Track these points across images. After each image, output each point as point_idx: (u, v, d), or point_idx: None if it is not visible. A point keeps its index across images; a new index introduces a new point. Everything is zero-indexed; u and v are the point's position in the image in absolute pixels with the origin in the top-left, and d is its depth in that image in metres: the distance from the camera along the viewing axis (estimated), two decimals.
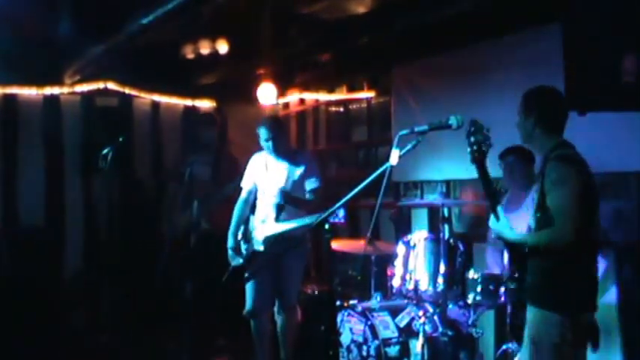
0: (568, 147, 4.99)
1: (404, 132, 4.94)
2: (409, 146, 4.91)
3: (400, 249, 6.95)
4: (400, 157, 4.90)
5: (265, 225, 7.50)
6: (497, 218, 5.10)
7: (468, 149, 5.06)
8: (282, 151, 7.61)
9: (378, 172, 4.99)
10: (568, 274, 4.74)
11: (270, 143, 7.53)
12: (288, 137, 8.36)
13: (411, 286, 6.75)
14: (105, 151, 8.16)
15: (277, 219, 7.37)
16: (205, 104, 11.39)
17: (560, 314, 4.68)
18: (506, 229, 5.09)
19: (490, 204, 5.13)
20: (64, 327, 9.61)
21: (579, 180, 4.74)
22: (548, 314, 4.72)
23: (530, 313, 4.86)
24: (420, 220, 9.08)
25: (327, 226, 4.92)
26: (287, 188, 7.45)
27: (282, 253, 7.39)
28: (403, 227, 8.98)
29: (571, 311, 4.70)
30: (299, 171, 7.53)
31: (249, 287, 7.61)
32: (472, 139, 5.03)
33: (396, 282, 6.93)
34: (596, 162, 5.19)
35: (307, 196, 7.51)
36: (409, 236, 7.06)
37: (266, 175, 7.65)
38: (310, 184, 7.51)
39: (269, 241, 7.47)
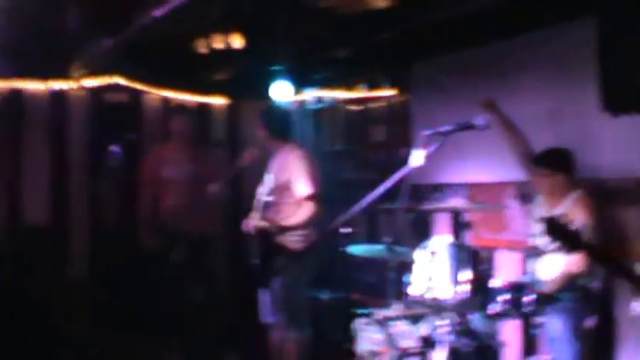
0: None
1: (427, 132, 4.68)
2: (433, 147, 4.64)
3: (419, 255, 6.65)
4: (425, 158, 4.61)
5: None
6: None
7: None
8: None
9: (401, 173, 4.71)
10: None
11: None
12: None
13: (431, 294, 6.45)
14: (112, 148, 7.95)
15: None
16: (218, 101, 11.13)
17: None
18: None
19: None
20: (68, 330, 9.37)
21: None
22: None
23: None
24: (441, 225, 8.81)
25: (345, 231, 4.64)
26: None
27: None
28: (423, 232, 8.71)
29: None
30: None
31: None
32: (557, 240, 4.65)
33: (415, 290, 6.64)
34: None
35: None
36: (429, 242, 6.75)
37: None
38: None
39: None
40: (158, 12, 7.08)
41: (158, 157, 8.66)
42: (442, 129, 4.65)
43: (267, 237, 7.12)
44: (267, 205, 7.30)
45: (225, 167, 8.61)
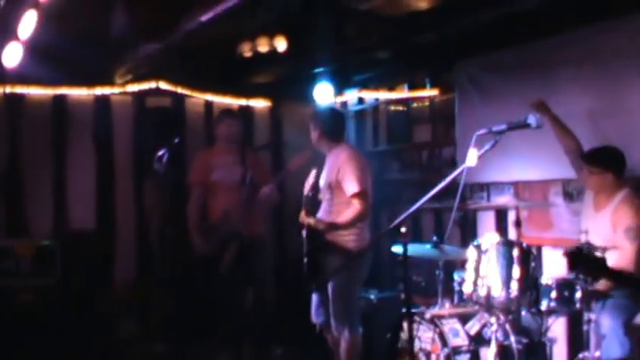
0: None
1: (481, 131, 4.72)
2: (487, 146, 4.67)
3: (471, 253, 6.67)
4: (479, 157, 4.64)
5: None
6: None
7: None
8: None
9: (456, 173, 4.74)
10: None
11: None
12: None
13: (483, 292, 6.46)
14: (160, 152, 7.99)
15: None
16: (260, 104, 11.18)
17: None
18: None
19: None
20: (115, 334, 9.46)
21: None
22: None
23: None
24: (487, 224, 8.81)
25: (402, 230, 4.68)
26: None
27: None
28: (469, 231, 8.73)
29: None
30: None
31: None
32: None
33: (467, 288, 6.65)
34: None
35: None
36: (480, 240, 6.76)
37: None
38: None
39: None
40: (205, 17, 7.11)
41: (207, 160, 8.70)
42: (496, 128, 4.66)
43: (318, 235, 7.17)
44: (318, 205, 7.36)
45: (274, 169, 8.63)
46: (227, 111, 9.17)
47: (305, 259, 7.21)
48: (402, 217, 4.66)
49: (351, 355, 7.23)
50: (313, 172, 7.23)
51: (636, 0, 6.78)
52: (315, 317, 7.49)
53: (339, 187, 7.17)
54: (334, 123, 7.61)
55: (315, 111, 7.89)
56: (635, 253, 6.15)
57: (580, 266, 4.57)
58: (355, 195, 7.06)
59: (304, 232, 7.23)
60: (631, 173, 6.63)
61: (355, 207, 7.08)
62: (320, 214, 7.36)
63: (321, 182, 7.38)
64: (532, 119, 4.68)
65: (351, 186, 7.07)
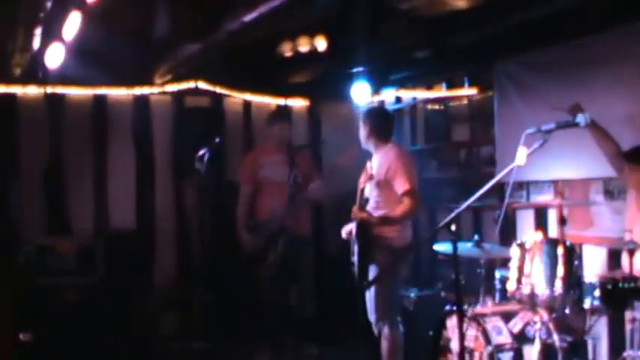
0: None
1: (531, 130, 4.75)
2: (536, 145, 4.70)
3: (514, 252, 6.68)
4: (528, 156, 4.67)
5: None
6: None
7: None
8: None
9: (505, 171, 4.77)
10: None
11: None
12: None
13: (526, 290, 6.47)
14: (201, 152, 8.05)
15: None
16: (298, 103, 11.23)
17: None
18: None
19: None
20: (155, 332, 9.54)
21: None
22: None
23: None
24: (526, 222, 8.81)
25: (453, 228, 4.71)
26: None
27: None
28: (509, 229, 8.73)
29: None
30: None
31: None
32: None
33: (510, 286, 6.66)
34: None
35: None
36: (524, 238, 6.77)
37: None
38: None
39: None
40: (247, 17, 7.15)
41: (256, 158, 8.83)
42: (545, 127, 4.70)
43: (367, 231, 7.25)
44: (367, 203, 7.42)
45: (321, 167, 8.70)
46: (281, 113, 9.32)
47: (355, 257, 7.28)
48: (453, 214, 4.69)
49: (392, 352, 7.30)
50: (369, 165, 7.30)
51: None
52: (370, 314, 7.51)
53: (388, 185, 7.25)
54: (384, 122, 7.72)
55: (365, 110, 7.93)
56: None
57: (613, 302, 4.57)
58: (406, 192, 7.17)
59: (354, 229, 7.29)
60: None
61: (406, 204, 7.18)
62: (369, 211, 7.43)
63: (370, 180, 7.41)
64: (581, 118, 4.72)
65: (402, 184, 7.18)
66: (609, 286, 4.59)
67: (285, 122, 8.87)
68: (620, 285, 4.87)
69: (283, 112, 9.43)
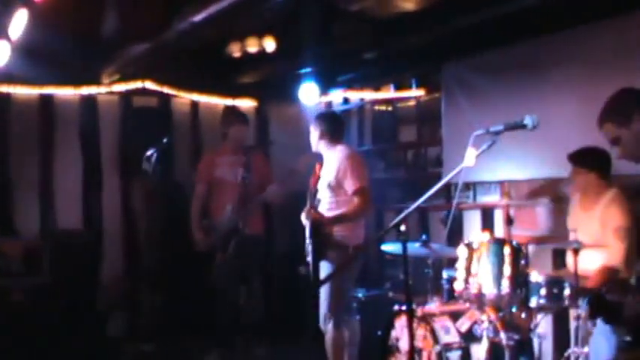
0: None
1: (479, 132, 4.79)
2: (484, 146, 4.75)
3: (462, 251, 6.74)
4: (476, 157, 4.71)
5: None
6: None
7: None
8: None
9: (454, 172, 4.81)
10: None
11: None
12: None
13: (474, 290, 6.53)
14: (149, 152, 8.03)
15: None
16: (246, 103, 11.21)
17: None
18: None
19: None
20: (104, 333, 9.47)
21: None
22: None
23: None
24: (473, 222, 8.90)
25: (402, 229, 4.74)
26: None
27: None
28: (455, 230, 8.81)
29: None
30: None
31: None
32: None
33: (458, 285, 6.71)
34: None
35: None
36: (471, 238, 6.85)
37: None
38: None
39: None
40: (196, 17, 7.15)
41: (212, 159, 8.86)
42: (493, 128, 4.73)
43: (321, 230, 7.30)
44: (320, 204, 7.46)
45: (279, 170, 8.71)
46: (240, 115, 9.25)
47: (310, 257, 7.33)
48: (402, 215, 4.72)
49: (334, 351, 7.36)
50: (318, 167, 7.35)
51: (622, 1, 6.86)
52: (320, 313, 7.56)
53: (339, 186, 7.30)
54: (334, 125, 7.75)
55: (316, 114, 7.98)
56: (625, 252, 6.23)
57: (602, 312, 4.58)
58: (356, 191, 7.22)
59: (308, 229, 7.34)
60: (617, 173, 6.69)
61: (356, 202, 7.23)
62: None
63: (320, 182, 7.46)
64: (529, 120, 4.75)
65: (352, 183, 7.23)
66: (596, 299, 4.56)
67: (243, 124, 8.87)
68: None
69: (241, 113, 9.39)
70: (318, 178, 7.35)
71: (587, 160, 6.65)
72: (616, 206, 6.41)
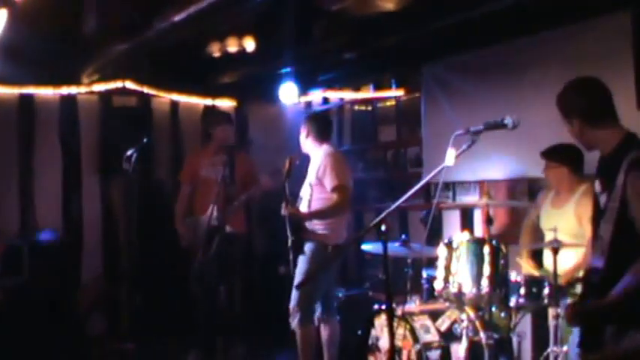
0: None
1: (459, 132, 4.81)
2: (464, 146, 4.77)
3: (442, 251, 6.77)
4: (457, 157, 4.73)
5: None
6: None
7: None
8: None
9: (435, 172, 4.83)
10: None
11: None
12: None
13: (454, 289, 6.57)
14: (129, 152, 8.02)
15: None
16: (226, 103, 11.21)
17: None
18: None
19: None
20: (83, 333, 9.47)
21: None
22: None
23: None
24: (452, 222, 8.92)
25: (383, 228, 4.75)
26: None
27: None
28: (435, 229, 8.82)
29: None
30: None
31: None
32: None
33: (438, 285, 6.75)
34: None
35: None
36: (451, 238, 6.87)
37: None
38: None
39: None
40: (176, 17, 7.14)
41: (196, 158, 8.90)
42: (473, 128, 4.75)
43: (300, 227, 7.41)
44: (301, 201, 7.59)
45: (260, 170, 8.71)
46: (224, 116, 9.29)
47: (291, 256, 7.44)
48: (383, 214, 4.73)
49: (302, 346, 7.52)
50: (287, 161, 7.42)
51: (601, 3, 6.90)
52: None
53: (319, 183, 7.42)
54: (322, 126, 7.89)
55: (306, 115, 8.08)
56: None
57: (580, 320, 4.49)
58: (335, 188, 7.32)
59: (287, 225, 7.42)
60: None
61: (335, 199, 7.33)
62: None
63: (305, 181, 7.57)
64: (508, 120, 4.78)
65: (332, 180, 7.34)
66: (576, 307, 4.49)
67: (228, 124, 8.88)
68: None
69: (226, 113, 9.40)
70: (288, 170, 7.42)
71: (558, 154, 6.74)
72: (589, 198, 6.41)
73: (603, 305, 4.07)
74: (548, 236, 6.40)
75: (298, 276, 7.41)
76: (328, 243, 7.40)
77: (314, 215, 7.44)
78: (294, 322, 7.44)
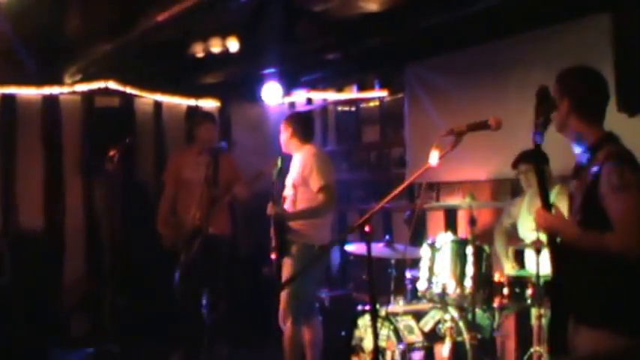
0: (619, 143, 4.37)
1: (443, 133, 4.81)
2: (448, 147, 4.78)
3: (425, 251, 6.79)
4: (440, 158, 4.74)
5: None
6: (549, 209, 4.54)
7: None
8: None
9: (419, 172, 4.84)
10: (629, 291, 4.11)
11: None
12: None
13: (437, 290, 6.59)
14: (111, 152, 8.00)
15: None
16: (209, 104, 11.19)
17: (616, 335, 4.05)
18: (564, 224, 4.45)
19: (541, 193, 4.63)
20: (66, 334, 9.45)
21: None
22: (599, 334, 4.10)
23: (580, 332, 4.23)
24: (436, 222, 8.93)
25: (367, 229, 4.75)
26: None
27: None
28: (419, 230, 8.83)
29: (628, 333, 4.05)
30: None
31: None
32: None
33: (421, 285, 6.78)
34: None
35: None
36: (434, 238, 6.89)
37: None
38: None
39: None
40: (159, 17, 7.12)
41: (180, 158, 8.83)
42: (457, 129, 4.76)
43: (285, 227, 7.40)
44: (285, 201, 7.57)
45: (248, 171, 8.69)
46: (208, 115, 9.29)
47: (274, 256, 7.43)
48: (367, 215, 4.73)
49: (290, 347, 7.47)
50: (277, 161, 7.44)
51: (584, 4, 6.92)
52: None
53: (304, 183, 7.40)
54: (305, 126, 7.87)
55: (288, 114, 8.06)
56: None
57: (545, 106, 4.60)
58: (320, 188, 7.30)
59: (272, 226, 7.42)
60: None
61: (319, 199, 7.31)
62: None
63: (287, 181, 7.53)
64: (492, 120, 4.79)
65: (317, 181, 7.32)
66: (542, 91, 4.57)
67: (212, 123, 8.84)
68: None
69: (210, 113, 9.39)
70: (279, 173, 7.43)
71: (524, 158, 6.89)
72: (563, 197, 6.43)
73: (568, 227, 4.38)
74: (530, 238, 6.43)
75: (285, 278, 7.41)
76: (314, 243, 7.37)
77: (300, 215, 7.43)
78: (286, 324, 7.43)
